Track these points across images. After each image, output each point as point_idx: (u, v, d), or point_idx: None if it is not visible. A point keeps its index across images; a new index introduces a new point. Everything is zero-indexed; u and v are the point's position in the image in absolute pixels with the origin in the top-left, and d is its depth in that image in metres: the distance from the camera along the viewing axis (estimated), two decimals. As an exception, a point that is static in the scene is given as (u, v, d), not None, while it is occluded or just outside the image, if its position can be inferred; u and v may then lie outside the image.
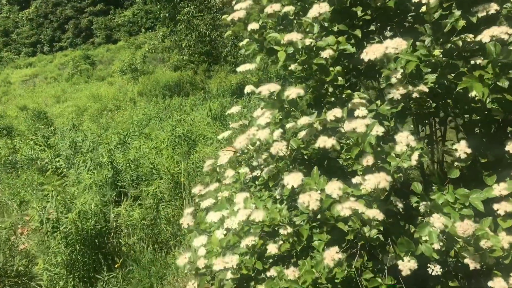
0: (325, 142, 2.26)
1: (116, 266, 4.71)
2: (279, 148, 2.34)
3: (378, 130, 2.17)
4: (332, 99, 2.53)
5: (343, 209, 2.03)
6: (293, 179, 2.22)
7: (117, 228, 5.32)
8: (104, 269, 4.67)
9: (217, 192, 3.26)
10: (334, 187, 2.17)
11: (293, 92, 2.27)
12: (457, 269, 2.45)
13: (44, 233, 4.72)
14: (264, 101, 2.86)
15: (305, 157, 2.74)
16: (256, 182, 3.18)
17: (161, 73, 20.64)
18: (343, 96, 2.53)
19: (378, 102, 2.54)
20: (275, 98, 2.37)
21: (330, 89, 2.59)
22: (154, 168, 6.69)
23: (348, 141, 2.33)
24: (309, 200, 2.11)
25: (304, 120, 2.34)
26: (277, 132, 2.46)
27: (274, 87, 2.32)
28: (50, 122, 15.95)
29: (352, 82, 2.92)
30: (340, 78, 2.50)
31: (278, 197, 2.74)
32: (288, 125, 2.68)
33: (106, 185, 6.41)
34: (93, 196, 5.34)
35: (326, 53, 2.34)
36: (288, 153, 2.47)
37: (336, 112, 2.20)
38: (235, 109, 3.20)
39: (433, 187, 2.52)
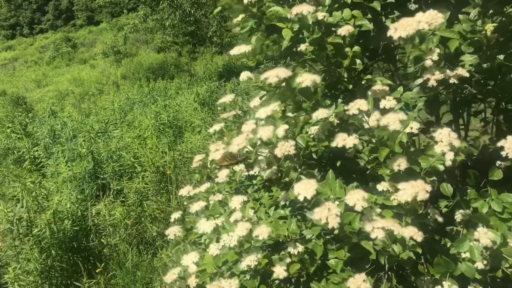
0: (344, 140, 1.81)
1: (97, 271, 4.25)
2: (286, 149, 1.88)
3: (414, 126, 1.72)
4: (350, 86, 2.06)
5: (374, 230, 1.59)
6: (304, 188, 1.76)
7: (98, 227, 4.84)
8: (84, 275, 4.21)
9: (208, 193, 2.83)
10: (357, 197, 1.73)
11: (307, 79, 1.79)
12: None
13: (15, 236, 4.24)
14: (264, 89, 2.40)
15: (314, 156, 2.29)
16: (254, 182, 2.76)
17: (145, 55, 20.01)
18: (363, 82, 2.08)
19: (401, 88, 2.10)
20: (284, 86, 1.89)
21: (345, 74, 2.13)
22: (137, 161, 6.18)
23: (371, 139, 1.89)
24: (328, 216, 1.67)
25: (321, 113, 1.86)
26: (282, 128, 1.99)
27: (284, 72, 1.83)
28: (29, 108, 15.34)
29: (367, 65, 2.48)
30: (358, 61, 2.04)
31: (282, 203, 2.30)
32: (289, 114, 2.22)
33: (86, 178, 5.90)
34: (70, 192, 4.83)
35: (345, 30, 1.87)
36: (295, 152, 2.01)
37: (361, 104, 1.74)
38: (227, 98, 2.75)
39: (468, 190, 2.10)
